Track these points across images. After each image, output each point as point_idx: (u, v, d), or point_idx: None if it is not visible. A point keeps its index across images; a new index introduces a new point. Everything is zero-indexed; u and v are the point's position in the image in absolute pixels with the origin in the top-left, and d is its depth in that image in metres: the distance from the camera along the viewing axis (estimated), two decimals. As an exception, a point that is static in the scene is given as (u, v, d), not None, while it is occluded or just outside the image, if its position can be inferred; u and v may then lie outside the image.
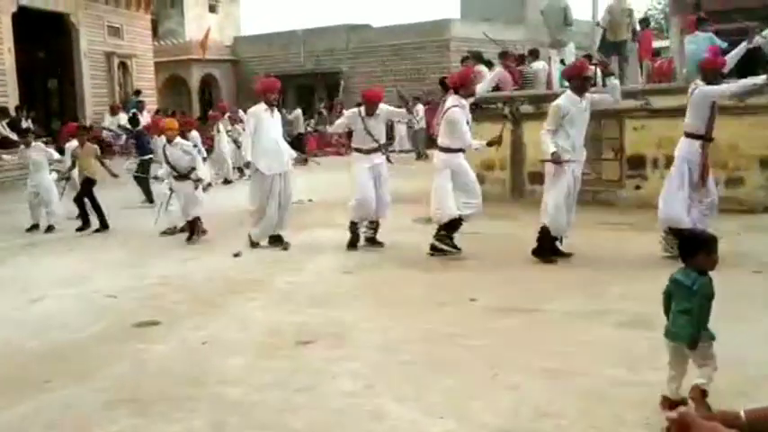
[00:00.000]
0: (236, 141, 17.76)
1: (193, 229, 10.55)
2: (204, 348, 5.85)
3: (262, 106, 9.73)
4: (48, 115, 26.20)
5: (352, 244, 9.45)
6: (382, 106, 9.53)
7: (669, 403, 4.15)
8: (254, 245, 9.79)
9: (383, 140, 9.71)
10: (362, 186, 9.31)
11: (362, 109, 9.48)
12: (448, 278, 7.80)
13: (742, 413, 1.70)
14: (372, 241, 9.57)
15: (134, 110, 23.67)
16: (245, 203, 10.15)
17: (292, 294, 7.45)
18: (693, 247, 4.17)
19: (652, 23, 38.21)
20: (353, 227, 9.49)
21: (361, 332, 6.05)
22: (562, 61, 14.80)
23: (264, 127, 9.62)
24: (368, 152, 9.45)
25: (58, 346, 6.13)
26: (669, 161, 11.27)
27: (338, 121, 10.17)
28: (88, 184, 12.00)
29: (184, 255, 9.39)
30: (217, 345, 5.92)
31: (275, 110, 9.87)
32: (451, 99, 8.71)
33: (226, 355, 5.65)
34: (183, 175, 10.56)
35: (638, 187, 11.72)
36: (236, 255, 9.40)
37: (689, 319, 4.07)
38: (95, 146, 12.83)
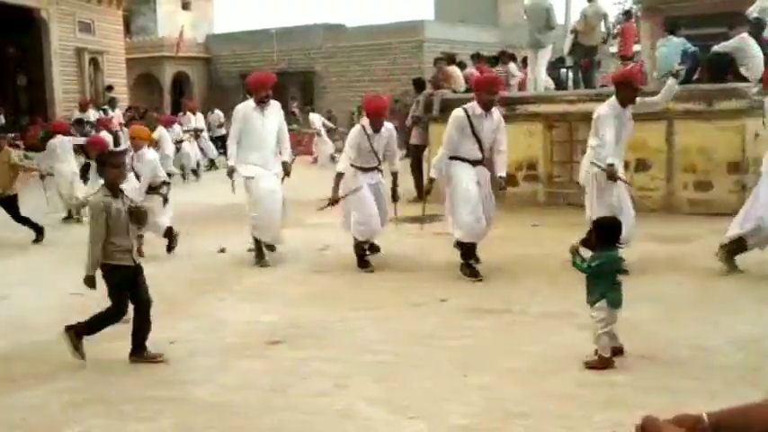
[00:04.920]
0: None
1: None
2: (172, 348, 5.79)
3: (250, 104, 8.76)
4: (17, 112, 25.89)
5: (366, 264, 8.42)
6: (388, 125, 8.52)
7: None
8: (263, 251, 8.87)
9: (382, 159, 8.53)
10: (366, 205, 8.36)
11: (366, 125, 8.37)
12: (420, 279, 7.79)
13: (704, 416, 1.70)
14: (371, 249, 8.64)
15: (105, 106, 23.45)
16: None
17: (263, 294, 7.41)
18: (618, 232, 5.18)
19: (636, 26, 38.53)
20: (360, 248, 8.47)
21: (332, 332, 6.03)
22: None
23: (252, 127, 8.65)
24: (367, 170, 8.44)
25: (23, 345, 6.05)
26: (639, 164, 11.44)
27: (347, 146, 8.49)
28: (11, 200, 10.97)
29: (149, 253, 9.28)
30: (185, 345, 5.87)
31: (269, 107, 8.74)
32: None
33: (194, 355, 5.60)
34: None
35: (608, 190, 11.79)
36: (221, 251, 9.48)
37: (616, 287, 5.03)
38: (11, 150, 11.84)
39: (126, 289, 5.49)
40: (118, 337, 6.10)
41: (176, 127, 19.61)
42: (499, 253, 8.38)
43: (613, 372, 4.90)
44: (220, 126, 23.71)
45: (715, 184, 10.93)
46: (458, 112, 7.82)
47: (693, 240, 8.85)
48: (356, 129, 8.55)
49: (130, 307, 5.56)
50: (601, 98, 11.84)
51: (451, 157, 7.86)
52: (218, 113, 24.74)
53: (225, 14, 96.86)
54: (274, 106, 8.86)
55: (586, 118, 11.84)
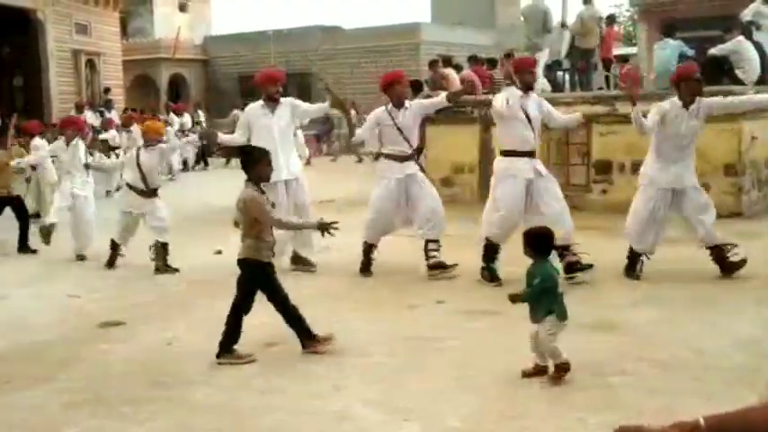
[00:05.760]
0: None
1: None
2: (170, 349, 5.80)
3: (258, 104, 8.38)
4: (13, 113, 25.82)
5: (365, 268, 8.11)
6: (412, 102, 8.17)
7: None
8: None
9: (415, 143, 8.11)
10: (379, 201, 8.00)
11: (389, 104, 7.99)
12: (417, 281, 7.79)
13: (701, 420, 1.70)
14: (439, 267, 7.87)
15: (102, 108, 23.42)
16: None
17: (260, 295, 7.38)
18: (550, 242, 5.02)
19: (621, 31, 38.63)
20: (367, 248, 8.13)
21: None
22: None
23: (260, 128, 8.20)
24: (401, 159, 7.93)
25: (21, 346, 6.06)
26: (636, 167, 11.43)
27: (365, 124, 8.20)
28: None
29: (148, 255, 9.26)
30: (183, 346, 5.88)
31: (279, 107, 8.30)
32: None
33: (192, 356, 5.60)
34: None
35: (604, 191, 11.82)
36: (218, 252, 9.37)
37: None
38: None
39: (259, 286, 5.57)
40: (116, 339, 6.11)
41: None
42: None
43: (610, 373, 4.91)
44: (196, 124, 23.44)
45: (712, 185, 10.93)
46: (499, 97, 7.44)
47: (690, 242, 8.84)
48: (378, 108, 8.16)
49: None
50: (598, 100, 11.93)
51: (505, 152, 7.53)
52: (199, 114, 24.59)
53: (222, 16, 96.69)
54: (285, 105, 8.41)
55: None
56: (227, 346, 5.47)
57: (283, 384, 4.95)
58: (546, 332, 4.78)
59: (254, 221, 5.44)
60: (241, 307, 5.54)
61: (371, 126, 8.11)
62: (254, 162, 5.56)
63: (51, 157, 10.88)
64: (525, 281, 4.92)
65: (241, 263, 5.56)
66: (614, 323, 6.04)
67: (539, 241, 4.97)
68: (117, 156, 16.16)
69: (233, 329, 5.50)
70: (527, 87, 7.50)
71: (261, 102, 8.40)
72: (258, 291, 5.58)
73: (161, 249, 8.81)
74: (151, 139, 9.09)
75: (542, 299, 4.80)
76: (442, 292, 7.22)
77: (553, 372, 4.83)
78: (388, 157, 8.01)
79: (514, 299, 4.91)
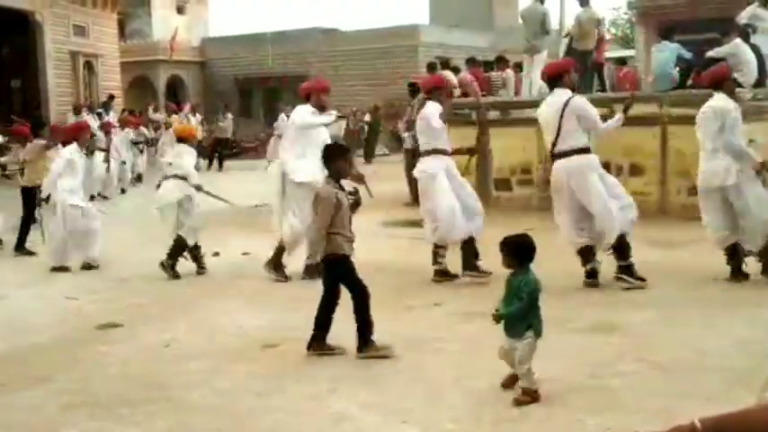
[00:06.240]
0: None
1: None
2: (167, 351, 5.80)
3: (309, 107, 8.24)
4: (10, 114, 25.83)
5: (445, 273, 7.83)
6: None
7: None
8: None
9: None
10: (448, 198, 7.75)
11: (435, 104, 7.90)
12: (415, 283, 7.79)
13: (697, 422, 1.70)
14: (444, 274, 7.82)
15: (100, 110, 23.42)
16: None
17: (259, 298, 7.40)
18: (532, 250, 4.63)
19: (618, 33, 38.74)
20: (437, 255, 7.85)
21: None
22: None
23: (309, 134, 8.12)
24: (445, 153, 7.94)
25: (18, 347, 6.05)
26: (634, 168, 11.47)
27: (442, 124, 7.88)
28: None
29: (147, 256, 9.26)
30: (181, 348, 5.87)
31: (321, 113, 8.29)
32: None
33: (189, 358, 5.60)
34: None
35: (602, 194, 11.82)
36: (215, 254, 9.38)
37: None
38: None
39: (351, 275, 5.53)
40: (115, 340, 6.11)
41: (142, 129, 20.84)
42: (493, 257, 8.37)
43: (609, 374, 4.91)
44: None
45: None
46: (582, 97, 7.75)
47: (688, 244, 8.86)
48: (431, 108, 7.91)
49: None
50: (595, 102, 11.93)
51: (583, 150, 7.86)
52: (198, 117, 24.79)
53: (220, 17, 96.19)
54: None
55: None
56: (368, 339, 5.44)
57: (282, 385, 4.95)
58: (523, 352, 4.49)
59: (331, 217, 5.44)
60: (363, 294, 5.47)
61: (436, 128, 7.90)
62: (334, 158, 5.64)
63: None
64: (505, 292, 4.62)
65: (324, 260, 5.54)
66: (613, 324, 6.04)
67: (521, 249, 4.63)
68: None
69: (364, 323, 5.45)
70: (573, 89, 7.75)
71: (310, 108, 8.23)
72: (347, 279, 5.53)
73: (181, 249, 8.55)
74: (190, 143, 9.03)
75: (528, 311, 4.52)
76: (439, 294, 7.22)
77: (520, 393, 4.51)
78: (437, 151, 7.88)
79: (498, 319, 4.55)
